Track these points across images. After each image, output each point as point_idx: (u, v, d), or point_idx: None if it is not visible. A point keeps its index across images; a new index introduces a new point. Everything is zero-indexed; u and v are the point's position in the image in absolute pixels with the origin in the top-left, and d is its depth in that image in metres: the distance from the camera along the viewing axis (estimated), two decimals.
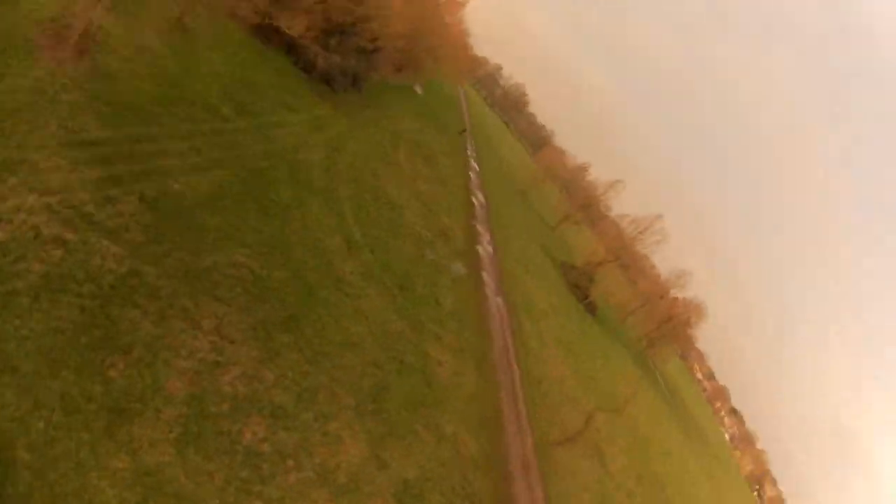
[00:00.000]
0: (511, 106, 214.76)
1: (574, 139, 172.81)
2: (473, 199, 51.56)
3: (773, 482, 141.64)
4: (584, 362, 39.49)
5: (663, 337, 75.99)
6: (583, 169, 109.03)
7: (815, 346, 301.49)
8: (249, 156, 22.83)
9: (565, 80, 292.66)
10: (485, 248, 42.17)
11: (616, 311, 78.62)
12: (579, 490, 23.54)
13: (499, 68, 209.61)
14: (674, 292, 76.21)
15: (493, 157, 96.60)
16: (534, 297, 43.78)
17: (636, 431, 39.80)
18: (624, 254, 76.43)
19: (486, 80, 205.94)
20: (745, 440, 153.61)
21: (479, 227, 45.12)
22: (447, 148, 59.92)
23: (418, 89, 69.36)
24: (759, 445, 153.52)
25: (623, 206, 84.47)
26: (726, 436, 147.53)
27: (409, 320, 22.05)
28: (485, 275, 36.19)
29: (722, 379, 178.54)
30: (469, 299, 29.61)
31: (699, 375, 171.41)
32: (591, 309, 61.99)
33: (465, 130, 78.41)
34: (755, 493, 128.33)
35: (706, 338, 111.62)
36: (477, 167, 67.14)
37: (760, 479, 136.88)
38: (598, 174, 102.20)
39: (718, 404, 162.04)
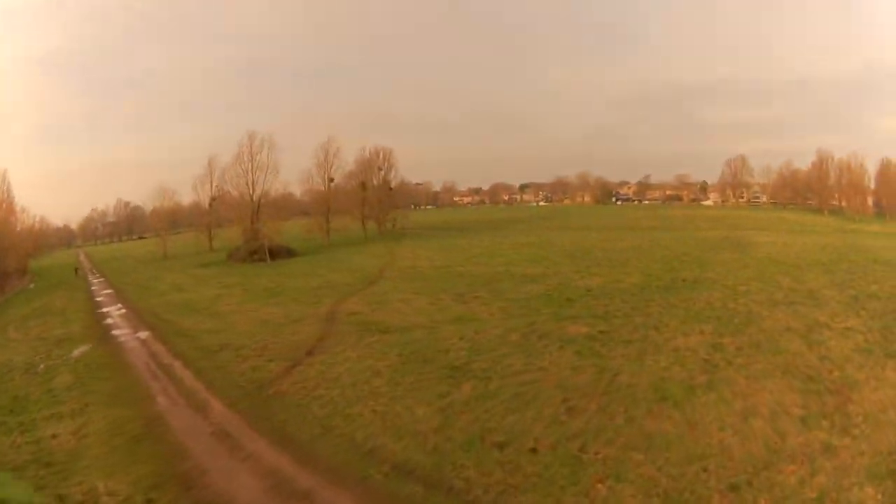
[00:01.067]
0: None
1: None
2: (98, 299, 53.65)
3: None
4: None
5: None
6: None
7: None
8: None
9: None
10: (116, 314, 43.29)
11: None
12: None
13: None
14: None
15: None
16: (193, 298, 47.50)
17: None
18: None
19: None
20: None
21: (108, 309, 46.16)
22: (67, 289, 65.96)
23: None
24: None
25: None
26: None
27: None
28: (121, 329, 36.75)
29: None
30: (98, 359, 29.73)
31: None
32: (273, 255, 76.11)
33: (77, 269, 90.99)
34: None
35: None
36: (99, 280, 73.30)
37: None
38: None
39: None
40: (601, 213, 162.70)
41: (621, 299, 34.52)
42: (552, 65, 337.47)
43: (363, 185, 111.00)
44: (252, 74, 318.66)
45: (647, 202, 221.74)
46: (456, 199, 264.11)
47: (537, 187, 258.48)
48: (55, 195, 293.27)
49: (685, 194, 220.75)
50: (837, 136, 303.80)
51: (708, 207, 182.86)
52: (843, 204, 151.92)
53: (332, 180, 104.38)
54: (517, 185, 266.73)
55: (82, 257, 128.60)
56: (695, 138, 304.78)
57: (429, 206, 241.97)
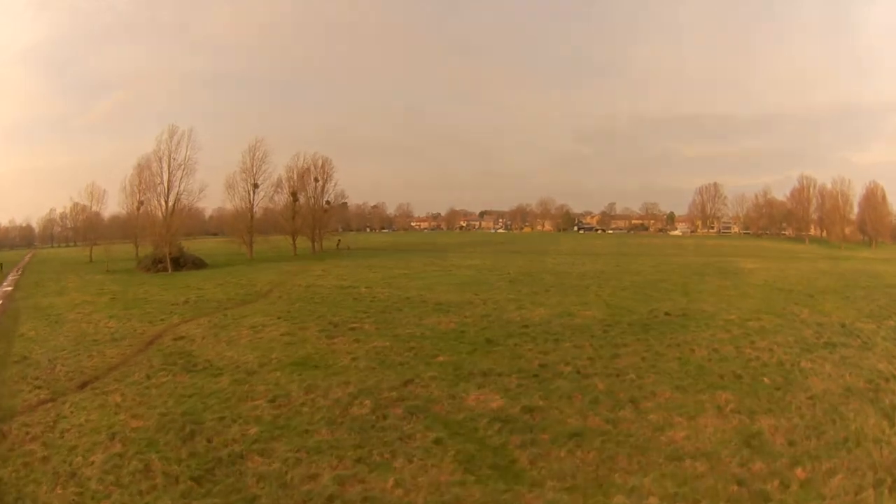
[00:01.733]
0: None
1: None
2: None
3: None
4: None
5: None
6: None
7: None
8: None
9: None
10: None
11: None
12: None
13: None
14: None
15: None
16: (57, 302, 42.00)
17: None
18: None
19: None
20: None
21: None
22: None
23: None
24: None
25: None
26: None
27: None
28: None
29: None
30: None
31: None
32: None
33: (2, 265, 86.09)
34: None
35: None
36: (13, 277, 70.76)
37: None
38: None
39: None
40: (561, 239, 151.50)
41: (573, 342, 22.82)
42: (517, 94, 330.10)
43: (294, 196, 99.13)
44: (217, 86, 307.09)
45: (611, 231, 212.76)
46: (413, 223, 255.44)
47: (497, 214, 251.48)
48: (28, 193, 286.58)
49: (652, 224, 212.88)
50: (808, 171, 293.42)
51: (677, 237, 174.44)
52: (824, 232, 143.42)
53: (256, 186, 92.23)
54: (477, 212, 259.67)
55: (28, 257, 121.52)
56: (661, 172, 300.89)
57: (384, 230, 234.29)
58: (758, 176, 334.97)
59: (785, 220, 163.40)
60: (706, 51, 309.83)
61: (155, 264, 70.64)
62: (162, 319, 32.14)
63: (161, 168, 78.11)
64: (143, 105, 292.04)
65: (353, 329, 26.45)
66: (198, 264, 73.27)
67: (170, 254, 70.82)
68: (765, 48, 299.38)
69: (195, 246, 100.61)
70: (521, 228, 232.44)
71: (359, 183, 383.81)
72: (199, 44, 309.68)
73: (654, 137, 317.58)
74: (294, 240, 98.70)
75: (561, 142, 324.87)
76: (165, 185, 78.40)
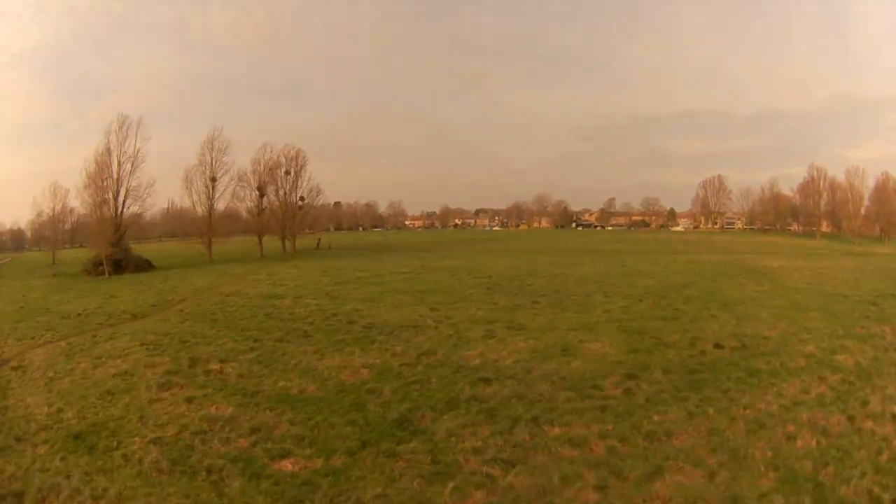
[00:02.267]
0: None
1: None
2: None
3: None
4: None
5: None
6: None
7: None
8: None
9: None
10: None
11: None
12: None
13: None
14: None
15: None
16: None
17: None
18: None
19: None
20: None
21: None
22: None
23: None
24: None
25: None
26: None
27: None
28: None
29: None
30: None
31: None
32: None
33: None
34: None
35: None
36: None
37: None
38: None
39: None
40: (558, 236, 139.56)
41: (570, 427, 12.46)
42: (512, 92, 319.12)
43: (260, 191, 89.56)
44: (215, 88, 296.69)
45: (610, 228, 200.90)
46: (408, 222, 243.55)
47: (493, 213, 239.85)
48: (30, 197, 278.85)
49: (654, 220, 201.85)
50: (803, 168, 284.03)
51: (680, 233, 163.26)
52: (836, 227, 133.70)
53: (214, 179, 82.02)
54: (472, 210, 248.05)
55: (6, 261, 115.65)
56: (658, 169, 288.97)
57: (376, 228, 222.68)
58: (753, 173, 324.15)
59: (792, 215, 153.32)
60: (702, 48, 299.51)
61: (95, 267, 64.89)
62: (32, 337, 27.10)
63: (110, 162, 71.20)
64: (142, 107, 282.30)
65: (207, 373, 17.23)
66: (141, 267, 66.63)
67: (109, 255, 64.45)
68: (760, 46, 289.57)
69: (156, 248, 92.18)
70: (518, 226, 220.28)
71: (355, 184, 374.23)
72: (198, 45, 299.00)
73: (651, 135, 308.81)
74: (260, 239, 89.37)
75: (558, 140, 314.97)
76: (115, 180, 71.48)
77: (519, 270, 44.34)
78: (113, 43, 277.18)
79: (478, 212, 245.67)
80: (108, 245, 65.73)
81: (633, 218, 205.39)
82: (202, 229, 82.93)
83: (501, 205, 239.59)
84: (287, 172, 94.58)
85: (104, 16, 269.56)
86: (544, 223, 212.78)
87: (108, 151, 71.39)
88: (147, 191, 73.97)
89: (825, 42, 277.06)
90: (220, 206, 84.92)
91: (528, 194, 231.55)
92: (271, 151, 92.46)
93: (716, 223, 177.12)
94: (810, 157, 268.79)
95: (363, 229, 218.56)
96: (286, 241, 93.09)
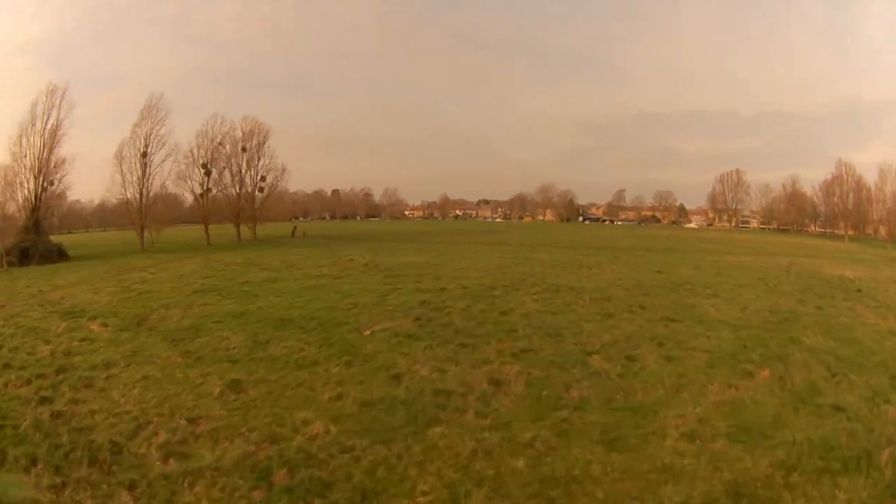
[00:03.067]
0: None
1: None
2: None
3: None
4: None
5: None
6: None
7: None
8: None
9: None
10: None
11: None
12: None
13: None
14: None
15: None
16: None
17: None
18: None
19: None
20: None
21: None
22: None
23: None
24: None
25: None
26: None
27: None
28: None
29: None
30: None
31: None
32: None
33: None
34: None
35: None
36: None
37: None
38: None
39: None
40: (564, 229, 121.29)
41: None
42: (517, 89, 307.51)
43: (205, 168, 76.70)
44: (218, 81, 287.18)
45: (619, 222, 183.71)
46: (407, 212, 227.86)
47: (496, 204, 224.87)
48: None
49: (666, 216, 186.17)
50: (810, 169, 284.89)
51: (696, 230, 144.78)
52: (857, 230, 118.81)
53: (145, 155, 68.73)
54: (475, 201, 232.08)
55: None
56: (662, 168, 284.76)
57: (373, 218, 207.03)
58: (757, 174, 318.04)
59: (813, 215, 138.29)
60: (705, 48, 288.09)
61: None
62: None
63: (30, 137, 60.34)
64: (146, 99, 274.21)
65: None
66: (46, 257, 53.97)
67: (18, 243, 54.38)
68: (762, 46, 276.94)
69: (96, 237, 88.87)
70: (521, 218, 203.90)
71: (358, 176, 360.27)
72: (200, 38, 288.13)
73: (656, 132, 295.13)
74: (206, 227, 76.24)
75: (563, 136, 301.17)
76: (35, 156, 60.39)
77: (501, 277, 28.48)
78: (115, 35, 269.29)
79: (480, 202, 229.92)
80: (17, 232, 56.03)
81: (644, 213, 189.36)
82: (133, 215, 69.86)
83: (505, 196, 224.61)
84: (243, 149, 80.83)
85: (108, 7, 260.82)
86: (549, 216, 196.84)
87: (32, 121, 60.00)
88: (64, 167, 62.95)
89: (828, 44, 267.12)
90: (160, 185, 72.12)
91: (532, 186, 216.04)
92: (221, 123, 78.81)
93: (730, 220, 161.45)
94: (819, 160, 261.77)
95: (360, 218, 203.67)
96: (242, 228, 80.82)
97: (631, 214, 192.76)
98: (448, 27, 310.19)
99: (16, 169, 60.49)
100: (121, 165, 68.45)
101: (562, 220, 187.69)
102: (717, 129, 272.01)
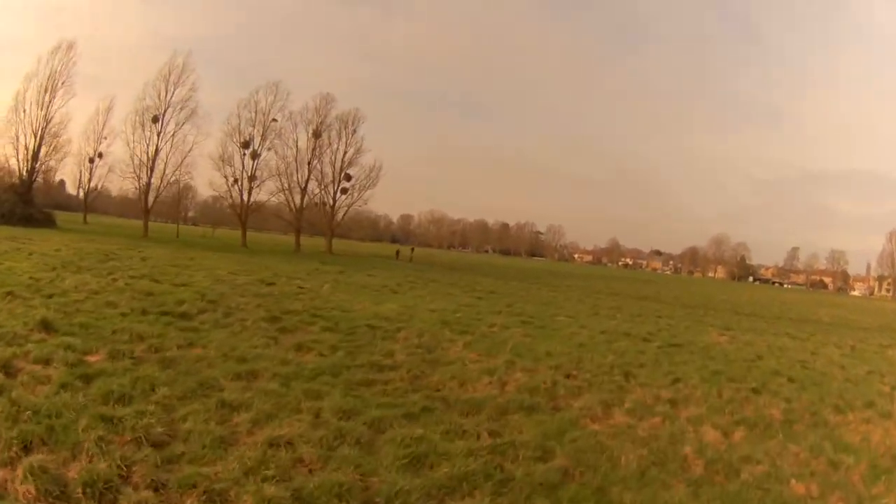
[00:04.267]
0: None
1: None
2: None
3: None
4: None
5: None
6: None
7: None
8: None
9: None
10: None
11: None
12: None
13: None
14: None
15: None
16: None
17: None
18: None
19: None
20: None
21: None
22: None
23: None
24: None
25: None
26: None
27: None
28: None
29: None
30: None
31: None
32: None
33: None
34: None
35: None
36: None
37: None
38: None
39: None
40: (737, 289, 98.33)
41: None
42: (693, 134, 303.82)
43: (245, 147, 63.62)
44: (394, 100, 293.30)
45: (788, 285, 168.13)
46: (576, 255, 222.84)
47: (667, 256, 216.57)
48: None
49: (831, 281, 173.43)
50: None
51: (858, 298, 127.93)
52: None
53: (156, 120, 60.26)
54: (647, 250, 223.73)
55: None
56: (831, 230, 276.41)
57: (536, 257, 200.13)
58: None
59: None
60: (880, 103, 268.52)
61: None
62: None
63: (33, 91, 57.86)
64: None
65: None
66: (33, 219, 52.18)
67: None
68: None
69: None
70: (691, 273, 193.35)
71: (524, 209, 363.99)
72: (376, 55, 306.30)
73: (824, 191, 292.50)
74: (298, 230, 63.91)
75: (735, 189, 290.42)
76: (32, 115, 57.64)
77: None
78: (283, 41, 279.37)
79: (652, 253, 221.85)
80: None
81: (812, 277, 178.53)
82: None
83: (677, 248, 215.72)
84: (317, 133, 63.76)
85: (276, 12, 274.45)
86: (720, 272, 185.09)
87: (28, 79, 57.71)
88: (60, 127, 59.10)
89: None
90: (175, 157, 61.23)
91: (704, 240, 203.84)
92: (276, 95, 63.35)
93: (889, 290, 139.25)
94: None
95: (525, 256, 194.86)
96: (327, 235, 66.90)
97: (800, 278, 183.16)
98: (631, 68, 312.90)
99: (14, 121, 57.02)
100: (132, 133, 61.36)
101: (732, 279, 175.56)
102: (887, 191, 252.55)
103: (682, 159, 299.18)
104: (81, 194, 74.93)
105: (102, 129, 66.07)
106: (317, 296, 20.66)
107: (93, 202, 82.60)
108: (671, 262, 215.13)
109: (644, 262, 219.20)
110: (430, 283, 33.01)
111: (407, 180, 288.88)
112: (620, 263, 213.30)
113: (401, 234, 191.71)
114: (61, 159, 65.13)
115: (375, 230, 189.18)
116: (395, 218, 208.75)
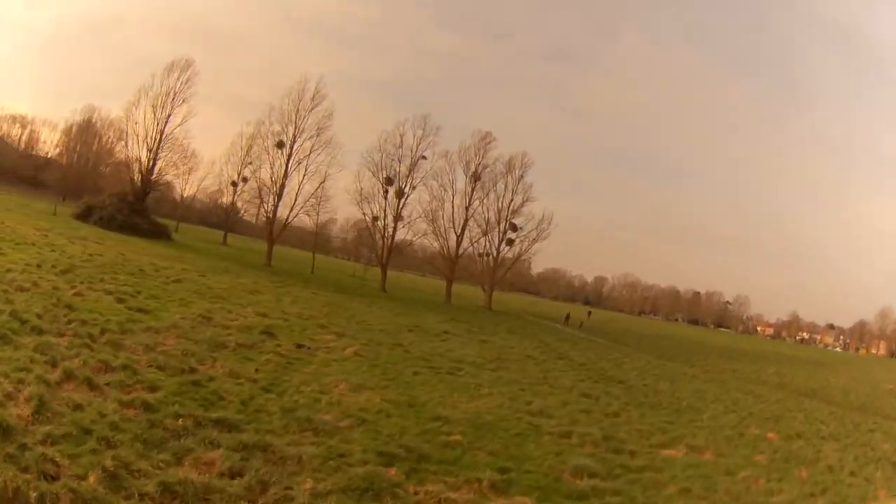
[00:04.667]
0: None
1: None
2: None
3: None
4: None
5: None
6: None
7: None
8: None
9: None
10: None
11: None
12: None
13: None
14: None
15: None
16: None
17: None
18: None
19: None
20: None
21: None
22: None
23: None
24: None
25: None
26: None
27: None
28: None
29: None
30: None
31: None
32: None
33: None
34: None
35: None
36: None
37: None
38: None
39: None
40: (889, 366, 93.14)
41: None
42: (871, 200, 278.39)
43: (388, 184, 59.82)
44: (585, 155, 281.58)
45: None
46: (759, 328, 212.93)
47: (839, 331, 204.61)
48: None
49: None
50: None
51: None
52: None
53: (281, 145, 58.13)
54: (822, 324, 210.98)
55: None
56: None
57: (722, 328, 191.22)
58: None
59: None
60: None
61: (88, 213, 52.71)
62: None
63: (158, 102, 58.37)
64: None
65: None
66: (139, 229, 51.73)
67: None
68: None
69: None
70: (858, 350, 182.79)
71: (710, 276, 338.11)
72: (572, 110, 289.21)
73: None
74: (450, 280, 57.94)
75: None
76: (147, 125, 57.94)
77: None
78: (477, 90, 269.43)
79: (826, 327, 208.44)
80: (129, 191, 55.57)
81: None
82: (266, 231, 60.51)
83: (847, 323, 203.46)
84: (476, 176, 59.31)
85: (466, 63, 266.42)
86: (882, 349, 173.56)
87: (143, 91, 58.43)
88: (174, 142, 59.26)
89: None
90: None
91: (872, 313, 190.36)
92: (429, 128, 60.04)
93: None
94: None
95: (710, 325, 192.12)
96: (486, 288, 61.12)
97: None
98: (807, 132, 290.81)
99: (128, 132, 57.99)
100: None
101: (891, 356, 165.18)
102: None
103: (851, 226, 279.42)
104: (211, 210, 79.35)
105: (246, 153, 64.31)
106: None
107: (234, 224, 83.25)
108: (841, 338, 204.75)
109: (819, 337, 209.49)
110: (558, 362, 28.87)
111: (603, 241, 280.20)
112: (797, 338, 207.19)
113: (593, 296, 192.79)
114: (185, 175, 69.02)
115: (570, 289, 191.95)
116: (589, 279, 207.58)
